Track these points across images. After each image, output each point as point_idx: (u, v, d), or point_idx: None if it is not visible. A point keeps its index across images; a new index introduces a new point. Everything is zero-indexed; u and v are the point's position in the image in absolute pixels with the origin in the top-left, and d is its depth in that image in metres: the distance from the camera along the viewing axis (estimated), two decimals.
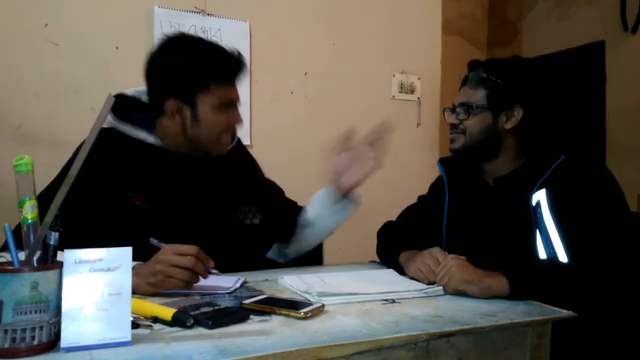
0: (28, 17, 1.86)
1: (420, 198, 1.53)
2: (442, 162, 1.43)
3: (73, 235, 0.91)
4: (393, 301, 0.99)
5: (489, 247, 1.24)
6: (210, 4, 2.18)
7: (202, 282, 1.03)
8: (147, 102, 1.33)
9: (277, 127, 2.35)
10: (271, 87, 2.34)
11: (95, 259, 0.73)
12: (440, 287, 1.06)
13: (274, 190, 1.51)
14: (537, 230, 1.15)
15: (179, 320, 0.79)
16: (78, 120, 1.78)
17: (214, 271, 1.02)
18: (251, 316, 0.86)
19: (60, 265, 0.72)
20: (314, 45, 2.45)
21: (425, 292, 1.05)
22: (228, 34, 2.19)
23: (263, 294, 1.02)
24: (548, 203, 1.14)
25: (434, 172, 1.47)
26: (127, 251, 0.75)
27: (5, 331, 0.67)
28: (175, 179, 1.30)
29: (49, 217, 0.73)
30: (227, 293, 1.05)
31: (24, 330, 0.68)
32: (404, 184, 2.58)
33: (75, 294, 0.71)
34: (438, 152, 2.72)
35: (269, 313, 0.88)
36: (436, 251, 1.16)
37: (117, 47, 1.97)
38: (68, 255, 0.72)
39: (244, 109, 2.24)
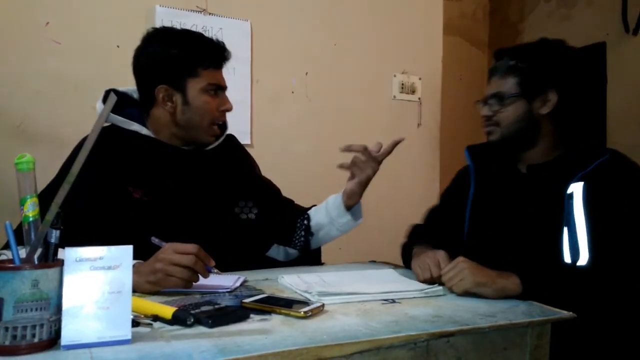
0: (30, 15, 1.86)
1: (442, 194, 1.52)
2: (470, 149, 1.40)
3: (74, 232, 0.92)
4: (393, 301, 0.99)
5: (512, 237, 1.22)
6: (211, 3, 2.18)
7: (203, 280, 1.03)
8: (138, 99, 1.37)
9: (277, 126, 2.35)
10: (272, 86, 2.34)
11: (95, 257, 0.73)
12: (440, 288, 1.07)
13: (271, 188, 1.52)
14: (565, 228, 1.12)
15: (179, 319, 0.80)
16: (79, 119, 1.78)
17: (214, 270, 1.02)
18: (251, 315, 0.86)
19: (61, 263, 0.72)
20: (315, 45, 2.44)
21: (425, 292, 1.05)
22: (229, 33, 2.19)
23: (263, 293, 1.02)
24: (583, 197, 1.11)
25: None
26: (127, 249, 0.75)
27: (6, 329, 0.67)
28: (171, 170, 1.32)
29: (50, 215, 0.73)
30: (227, 292, 1.05)
31: (24, 327, 0.68)
32: (405, 184, 2.59)
33: (76, 292, 0.71)
34: (438, 153, 2.72)
35: (269, 312, 0.88)
36: (440, 254, 1.16)
37: (118, 46, 1.97)
38: (69, 253, 0.72)
39: (244, 109, 2.28)
